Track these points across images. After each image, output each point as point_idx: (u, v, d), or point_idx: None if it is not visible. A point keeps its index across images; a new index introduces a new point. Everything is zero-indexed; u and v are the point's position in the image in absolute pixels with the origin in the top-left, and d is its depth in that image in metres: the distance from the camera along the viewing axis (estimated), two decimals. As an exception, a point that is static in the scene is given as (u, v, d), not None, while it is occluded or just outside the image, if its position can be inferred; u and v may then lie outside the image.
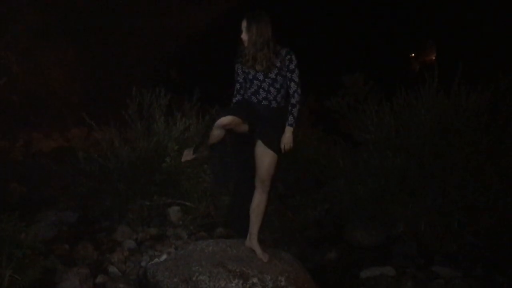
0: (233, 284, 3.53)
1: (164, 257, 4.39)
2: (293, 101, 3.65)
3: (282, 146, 3.65)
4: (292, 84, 3.64)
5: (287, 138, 3.65)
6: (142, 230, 5.22)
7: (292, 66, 3.62)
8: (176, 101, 6.29)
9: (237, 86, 3.84)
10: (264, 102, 3.67)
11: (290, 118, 3.64)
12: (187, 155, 3.82)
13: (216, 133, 3.60)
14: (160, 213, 5.51)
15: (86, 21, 11.72)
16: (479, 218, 4.79)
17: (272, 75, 3.63)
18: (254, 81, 3.67)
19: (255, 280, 3.57)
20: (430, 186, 5.00)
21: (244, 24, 3.62)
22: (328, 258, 4.82)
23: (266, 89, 3.65)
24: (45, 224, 4.91)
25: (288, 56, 3.61)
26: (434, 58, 17.98)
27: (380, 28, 16.08)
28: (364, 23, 15.93)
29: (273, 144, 3.68)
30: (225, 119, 3.52)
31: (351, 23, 15.87)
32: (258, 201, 3.79)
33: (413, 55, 19.11)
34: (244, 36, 3.63)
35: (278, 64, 3.61)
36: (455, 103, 5.10)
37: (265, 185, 3.75)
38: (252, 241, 3.86)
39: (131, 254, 4.68)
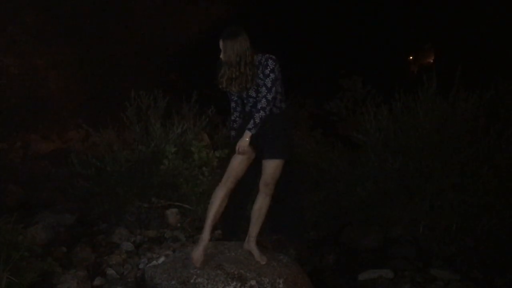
0: (231, 287, 3.52)
1: (162, 259, 4.37)
2: (259, 106, 3.54)
3: (236, 148, 3.59)
4: (263, 89, 3.54)
5: (243, 141, 3.55)
6: (140, 233, 5.20)
7: (266, 71, 3.54)
8: (174, 103, 6.28)
9: (233, 104, 3.83)
10: None
11: (251, 122, 3.54)
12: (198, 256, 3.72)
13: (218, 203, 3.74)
14: (158, 216, 5.49)
15: (84, 23, 11.69)
16: (477, 221, 4.79)
17: None
18: (250, 98, 3.66)
19: (253, 282, 3.56)
20: (428, 189, 5.00)
21: (220, 44, 3.60)
22: (326, 261, 4.81)
23: None
24: (43, 226, 4.88)
25: (265, 62, 3.55)
26: (432, 60, 17.99)
27: (378, 30, 16.08)
28: (362, 26, 15.94)
29: (279, 152, 3.68)
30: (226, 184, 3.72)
31: (349, 26, 15.88)
32: (260, 204, 3.78)
33: (411, 57, 19.12)
34: (222, 56, 3.60)
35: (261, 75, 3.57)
36: (453, 106, 5.10)
37: (269, 188, 3.74)
38: (250, 243, 3.86)
39: (129, 257, 4.66)
